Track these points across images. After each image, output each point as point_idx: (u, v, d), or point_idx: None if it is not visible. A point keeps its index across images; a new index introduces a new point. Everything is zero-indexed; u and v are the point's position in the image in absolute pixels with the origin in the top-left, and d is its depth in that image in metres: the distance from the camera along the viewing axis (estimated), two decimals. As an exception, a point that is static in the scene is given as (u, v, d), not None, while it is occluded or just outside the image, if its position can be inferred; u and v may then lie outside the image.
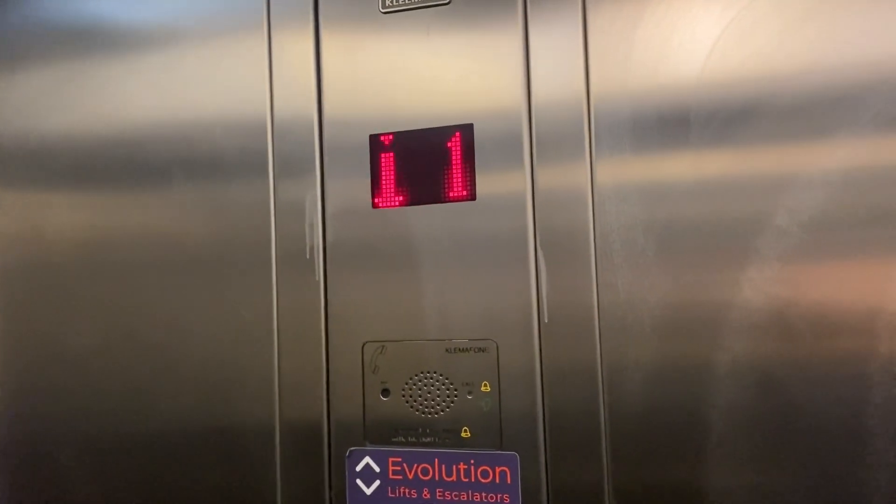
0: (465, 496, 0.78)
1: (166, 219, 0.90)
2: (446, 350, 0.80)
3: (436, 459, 0.79)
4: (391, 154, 0.82)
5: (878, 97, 0.69)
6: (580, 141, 0.77)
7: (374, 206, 0.82)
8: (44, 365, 0.93)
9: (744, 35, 0.73)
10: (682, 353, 0.73)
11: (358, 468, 0.82)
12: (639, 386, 0.74)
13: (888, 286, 0.69)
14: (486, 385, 0.78)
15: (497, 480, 0.78)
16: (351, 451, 0.82)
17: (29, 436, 0.93)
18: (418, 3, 0.82)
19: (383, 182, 0.82)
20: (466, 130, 0.80)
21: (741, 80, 0.73)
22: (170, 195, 0.90)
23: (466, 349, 0.79)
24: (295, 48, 0.86)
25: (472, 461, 0.78)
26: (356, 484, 0.81)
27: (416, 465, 0.80)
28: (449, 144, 0.80)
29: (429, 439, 0.80)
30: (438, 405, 0.80)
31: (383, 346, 0.82)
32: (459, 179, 0.80)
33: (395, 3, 0.83)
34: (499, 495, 0.77)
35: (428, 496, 0.79)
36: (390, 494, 0.80)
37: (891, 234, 0.69)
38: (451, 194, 0.80)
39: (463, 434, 0.79)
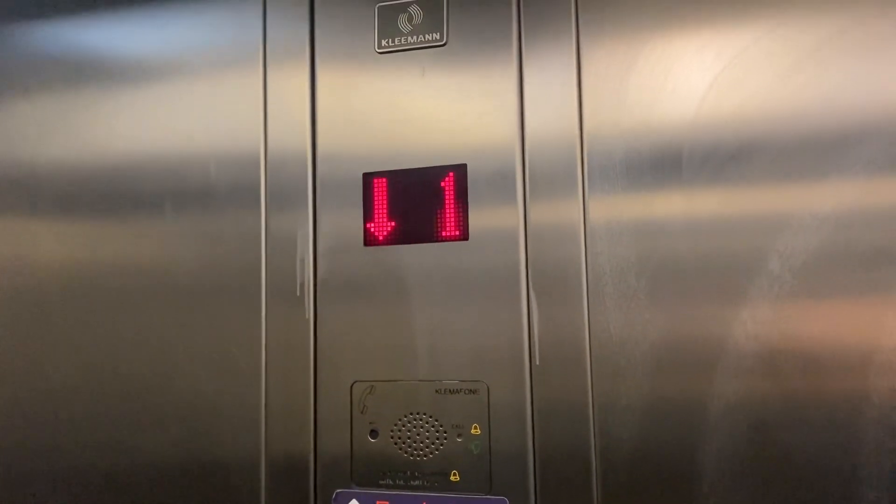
0: (453, 541, 0.77)
1: (155, 251, 0.89)
2: (436, 391, 0.79)
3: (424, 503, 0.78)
4: (384, 192, 0.82)
5: (870, 142, 0.70)
6: (573, 180, 0.77)
7: (366, 243, 0.82)
8: (23, 397, 0.91)
9: (737, 81, 0.74)
10: (674, 396, 0.73)
11: (344, 510, 0.80)
12: (630, 428, 0.74)
13: (880, 329, 0.69)
14: (476, 427, 0.77)
15: (486, 526, 0.76)
16: (337, 494, 0.80)
17: (5, 469, 0.91)
18: (414, 44, 0.83)
19: (376, 220, 0.82)
20: (460, 170, 0.80)
21: (735, 124, 0.74)
22: (160, 227, 0.89)
23: (457, 390, 0.78)
24: (290, 84, 0.87)
25: (460, 505, 0.77)
26: (342, 527, 0.80)
27: (403, 509, 0.79)
28: (442, 184, 0.80)
29: (417, 482, 0.78)
30: (427, 447, 0.79)
31: (372, 386, 0.81)
32: (452, 219, 0.80)
33: (390, 44, 0.84)
34: (487, 541, 0.76)
35: (415, 541, 0.78)
36: (377, 538, 0.79)
37: (883, 276, 0.69)
38: (443, 234, 0.80)
39: (452, 478, 0.78)
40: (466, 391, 0.78)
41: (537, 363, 0.76)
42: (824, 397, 0.69)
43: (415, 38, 0.83)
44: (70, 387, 0.90)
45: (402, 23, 0.83)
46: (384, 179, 0.82)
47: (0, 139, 0.97)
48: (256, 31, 0.89)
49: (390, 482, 0.79)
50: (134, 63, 0.93)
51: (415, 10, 0.83)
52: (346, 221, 0.83)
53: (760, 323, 0.71)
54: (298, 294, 0.83)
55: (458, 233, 0.80)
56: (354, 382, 0.81)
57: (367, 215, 0.82)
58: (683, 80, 0.76)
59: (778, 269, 0.71)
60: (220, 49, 0.90)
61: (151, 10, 0.94)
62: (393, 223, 0.82)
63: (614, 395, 0.74)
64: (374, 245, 0.82)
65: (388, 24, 0.84)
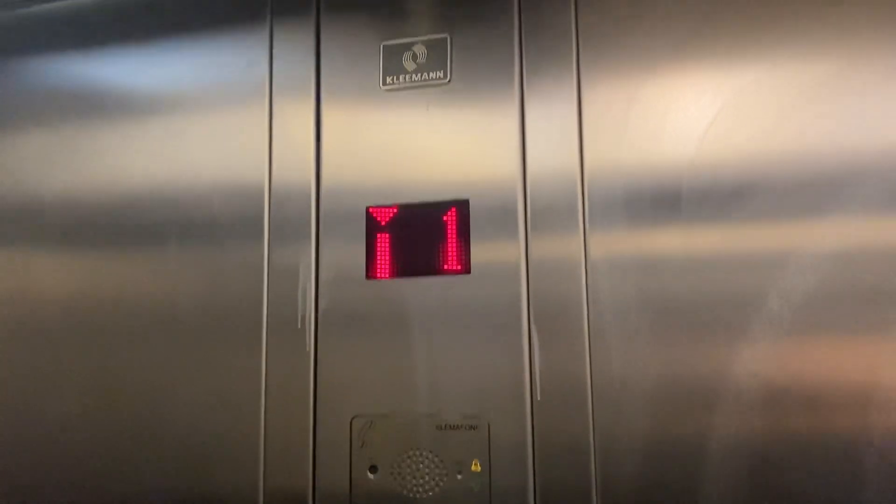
0: (453, 581, 0.76)
1: (157, 283, 0.89)
2: (437, 427, 0.78)
3: (423, 541, 0.77)
4: (387, 225, 0.83)
5: (868, 182, 0.71)
6: (574, 216, 0.78)
7: (369, 276, 0.82)
8: (21, 430, 0.91)
9: (735, 121, 0.75)
10: (675, 433, 0.72)
11: (342, 548, 0.79)
12: (632, 466, 0.73)
13: (880, 368, 0.69)
14: (476, 464, 0.77)
15: (486, 565, 0.75)
16: (335, 530, 0.79)
17: (2, 500, 0.89)
18: (418, 82, 0.85)
19: (378, 253, 0.82)
20: (462, 206, 0.81)
21: (733, 162, 0.75)
22: (162, 259, 0.89)
23: (458, 426, 0.78)
24: (296, 119, 0.88)
25: (460, 544, 0.76)
26: (340, 565, 0.79)
27: (402, 548, 0.77)
28: (445, 218, 0.81)
29: (417, 520, 0.78)
30: (427, 484, 0.78)
31: (372, 421, 0.80)
32: (454, 253, 0.80)
33: (395, 82, 0.85)
34: (487, 581, 0.75)
35: (414, 580, 0.77)
36: (375, 577, 0.78)
37: (882, 315, 0.69)
38: (445, 267, 0.80)
39: (452, 515, 0.77)
40: (467, 427, 0.77)
41: (538, 399, 0.76)
42: (825, 435, 0.69)
43: (419, 76, 0.84)
44: (69, 418, 0.89)
45: (407, 61, 0.85)
46: (387, 213, 0.83)
47: (6, 171, 0.98)
48: (263, 67, 0.90)
49: (389, 519, 0.78)
50: (140, 97, 0.94)
51: (419, 49, 0.85)
52: (348, 254, 0.83)
53: (761, 360, 0.71)
54: (299, 326, 0.83)
55: (459, 267, 0.80)
56: (354, 417, 0.81)
57: (370, 249, 0.83)
58: (682, 120, 0.77)
59: (777, 307, 0.71)
60: (226, 84, 0.91)
61: (160, 46, 0.95)
62: (395, 257, 0.82)
63: (616, 433, 0.74)
64: (376, 278, 0.82)
65: (393, 62, 0.86)
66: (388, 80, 0.86)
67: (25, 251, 0.96)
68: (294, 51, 0.89)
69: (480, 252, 0.80)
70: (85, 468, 0.88)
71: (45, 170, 0.97)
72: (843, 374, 0.69)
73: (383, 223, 0.83)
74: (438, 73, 0.84)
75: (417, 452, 0.79)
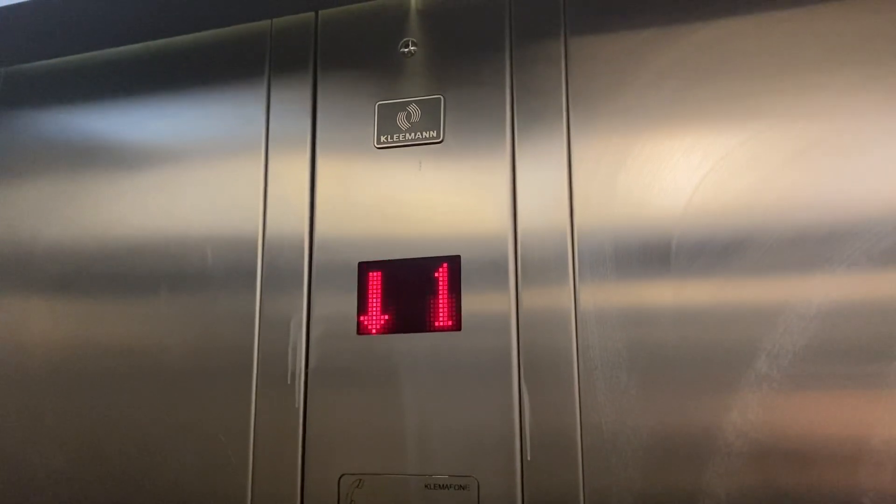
0: None
1: (148, 332, 0.89)
2: (426, 486, 0.77)
3: None
4: (379, 281, 0.83)
5: (855, 240, 0.71)
6: (564, 271, 0.78)
7: (360, 332, 0.82)
8: (7, 478, 0.90)
9: (724, 182, 0.76)
10: (665, 488, 0.71)
11: None
12: (623, 526, 0.72)
13: (870, 425, 0.68)
14: (465, 525, 0.76)
15: None
16: (321, 592, 0.78)
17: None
18: (411, 140, 0.86)
19: (370, 308, 0.83)
20: (454, 261, 0.81)
21: (721, 221, 0.75)
22: (154, 309, 0.90)
23: (447, 486, 0.77)
24: (291, 173, 0.89)
25: None
26: None
27: None
28: (436, 274, 0.81)
29: (404, 583, 0.76)
30: (415, 545, 0.77)
31: (360, 480, 0.79)
32: (445, 309, 0.80)
33: (389, 140, 0.87)
34: None
35: None
36: None
37: (872, 371, 0.69)
38: (436, 324, 0.80)
39: (440, 579, 0.75)
40: (456, 487, 0.76)
41: (528, 459, 0.75)
42: (816, 494, 0.68)
43: (412, 134, 0.86)
44: (55, 467, 0.88)
45: (401, 120, 0.87)
46: (379, 269, 0.83)
47: (1, 218, 0.99)
48: (259, 121, 0.92)
49: (376, 582, 0.77)
50: (137, 149, 0.96)
51: (413, 108, 0.87)
52: (340, 309, 0.83)
53: (752, 415, 0.71)
54: (289, 382, 0.83)
55: (450, 323, 0.80)
56: (342, 475, 0.80)
57: (362, 304, 0.83)
58: (671, 180, 0.78)
59: (767, 362, 0.71)
60: (222, 138, 0.93)
61: (157, 99, 0.97)
62: (387, 313, 0.82)
63: (606, 490, 0.73)
64: (368, 334, 0.82)
65: (387, 121, 0.87)
66: (383, 138, 0.87)
67: (18, 299, 0.96)
68: (291, 107, 0.91)
69: (471, 307, 0.80)
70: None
71: (40, 218, 0.97)
72: (833, 432, 0.69)
73: (374, 279, 0.83)
74: (432, 132, 0.85)
75: (405, 513, 0.78)
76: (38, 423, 0.90)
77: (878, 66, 0.74)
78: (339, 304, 0.84)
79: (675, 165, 0.78)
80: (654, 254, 0.76)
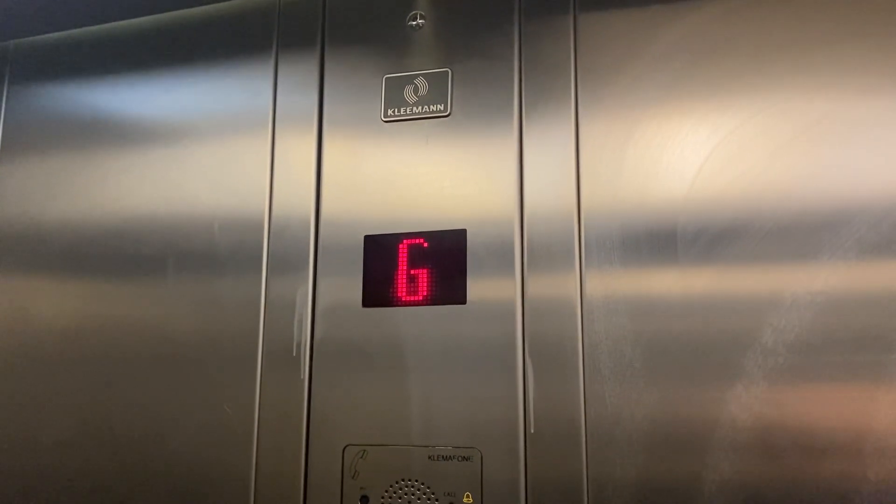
0: None
1: (155, 310, 0.89)
2: (429, 457, 0.78)
3: (412, 575, 0.76)
4: (384, 254, 0.83)
5: (860, 223, 0.71)
6: (570, 252, 0.78)
7: (365, 304, 0.83)
8: (11, 457, 0.90)
9: (730, 158, 0.76)
10: (668, 470, 0.72)
11: (330, 581, 0.78)
12: (624, 502, 0.72)
13: (874, 409, 0.68)
14: (468, 496, 0.76)
15: None
16: (324, 562, 0.78)
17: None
18: (419, 114, 0.86)
19: (375, 281, 0.83)
20: (459, 235, 0.81)
21: (728, 200, 0.75)
22: (161, 286, 0.90)
23: (450, 457, 0.77)
24: (297, 149, 0.89)
25: (450, 579, 0.75)
26: None
27: (391, 581, 0.76)
28: (442, 248, 0.81)
29: (406, 552, 0.76)
30: (418, 516, 0.77)
31: (364, 451, 0.79)
32: (451, 283, 0.80)
33: (396, 113, 0.87)
34: None
35: None
36: None
37: (875, 358, 0.69)
38: (442, 297, 0.80)
39: (442, 548, 0.76)
40: (460, 458, 0.77)
41: (532, 432, 0.75)
42: (819, 476, 0.68)
43: (420, 108, 0.86)
44: (64, 443, 0.89)
45: (408, 94, 0.87)
46: (384, 243, 0.83)
47: (9, 195, 0.99)
48: (266, 98, 0.92)
49: (379, 552, 0.77)
50: (143, 126, 0.96)
51: (420, 82, 0.87)
52: (345, 283, 0.84)
53: (755, 397, 0.71)
54: (294, 354, 0.83)
55: (456, 296, 0.80)
56: (346, 446, 0.80)
57: (367, 276, 0.83)
58: (678, 156, 0.78)
59: (772, 343, 0.71)
60: (229, 114, 0.93)
61: (165, 76, 0.97)
62: (392, 286, 0.82)
63: (609, 469, 0.73)
64: (373, 307, 0.82)
65: (394, 94, 0.87)
66: (390, 111, 0.87)
67: (26, 274, 0.96)
68: (298, 82, 0.91)
69: (476, 283, 0.80)
70: (78, 495, 0.87)
71: (47, 194, 0.98)
72: (836, 418, 0.69)
73: (380, 251, 0.83)
74: (439, 105, 0.85)
75: (409, 483, 0.78)
76: (48, 393, 0.91)
77: (887, 41, 0.74)
78: (345, 278, 0.84)
79: (682, 140, 0.78)
80: (661, 236, 0.76)
